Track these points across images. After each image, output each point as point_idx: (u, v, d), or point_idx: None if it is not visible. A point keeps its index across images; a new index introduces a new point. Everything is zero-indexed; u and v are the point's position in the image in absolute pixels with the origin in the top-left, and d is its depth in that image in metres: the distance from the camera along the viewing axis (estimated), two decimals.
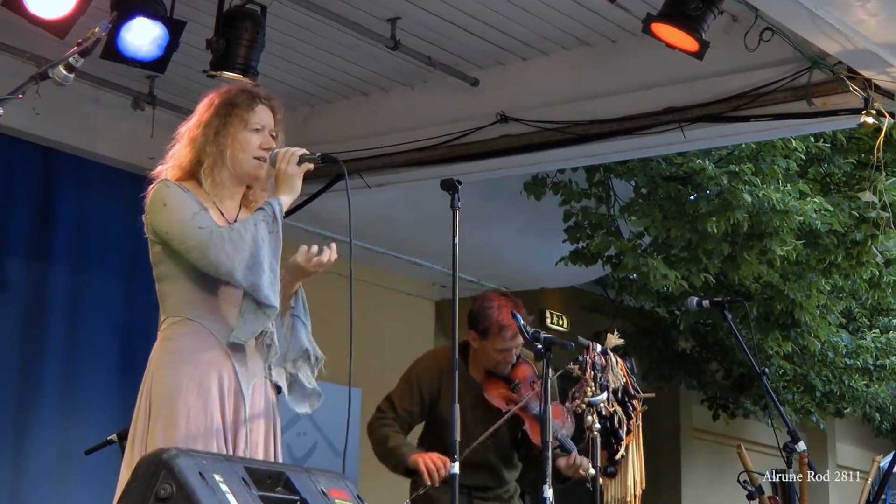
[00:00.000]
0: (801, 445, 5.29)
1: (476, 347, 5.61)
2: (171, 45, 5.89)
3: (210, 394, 3.84)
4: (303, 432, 9.27)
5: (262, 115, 4.08)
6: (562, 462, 5.38)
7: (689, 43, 5.74)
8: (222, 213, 4.00)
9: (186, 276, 3.90)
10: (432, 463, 5.36)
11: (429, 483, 5.32)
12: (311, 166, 4.02)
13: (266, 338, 3.95)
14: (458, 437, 4.14)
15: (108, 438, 5.67)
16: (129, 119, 7.52)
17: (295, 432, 9.13)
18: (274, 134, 4.09)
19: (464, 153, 7.36)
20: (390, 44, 6.79)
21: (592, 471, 5.04)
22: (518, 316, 4.93)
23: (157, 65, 5.95)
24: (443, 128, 7.38)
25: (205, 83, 5.61)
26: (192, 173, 4.01)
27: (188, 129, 4.08)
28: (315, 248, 4.01)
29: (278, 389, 4.07)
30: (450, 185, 4.30)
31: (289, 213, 4.04)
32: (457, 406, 4.15)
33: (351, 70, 7.42)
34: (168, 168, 4.06)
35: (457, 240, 4.25)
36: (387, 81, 7.58)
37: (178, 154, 4.05)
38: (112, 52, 5.81)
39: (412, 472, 5.50)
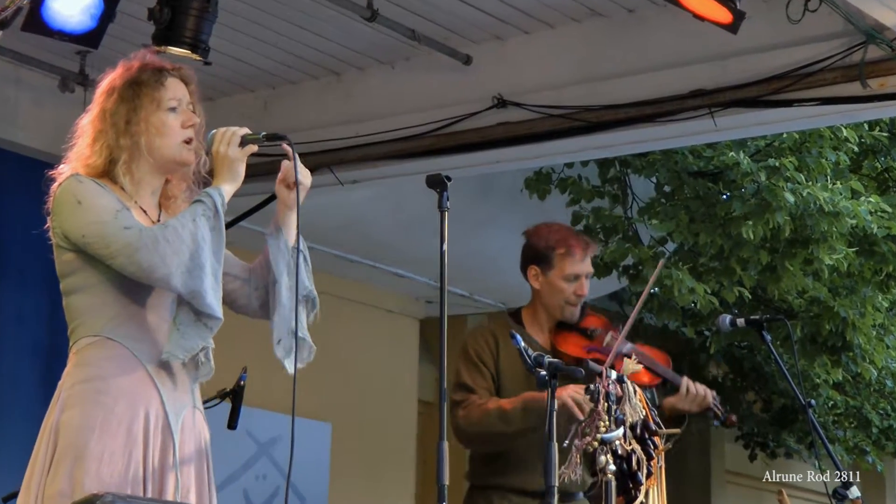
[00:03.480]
0: (855, 491, 5.30)
1: (539, 288, 5.74)
2: (107, 16, 5.88)
3: (131, 433, 3.81)
4: (262, 475, 9.22)
5: (175, 89, 4.06)
6: (671, 399, 5.56)
7: (722, 14, 5.75)
8: (145, 212, 3.99)
9: (107, 286, 3.87)
10: (573, 397, 5.31)
11: (580, 417, 5.18)
12: (255, 148, 4.02)
13: (202, 354, 3.91)
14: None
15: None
16: (56, 102, 7.50)
17: (253, 475, 9.09)
18: (191, 107, 4.07)
19: (454, 144, 7.37)
20: (367, 14, 6.79)
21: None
22: (517, 337, 4.91)
23: (90, 38, 5.94)
24: (429, 114, 7.38)
25: None
26: (105, 172, 3.98)
27: (90, 123, 4.04)
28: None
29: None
30: (437, 182, 4.30)
31: (242, 216, 4.04)
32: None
33: (320, 45, 7.41)
34: (74, 168, 4.01)
35: (445, 246, 4.25)
36: (363, 59, 7.58)
37: (85, 153, 4.00)
38: (36, 23, 5.80)
39: None
